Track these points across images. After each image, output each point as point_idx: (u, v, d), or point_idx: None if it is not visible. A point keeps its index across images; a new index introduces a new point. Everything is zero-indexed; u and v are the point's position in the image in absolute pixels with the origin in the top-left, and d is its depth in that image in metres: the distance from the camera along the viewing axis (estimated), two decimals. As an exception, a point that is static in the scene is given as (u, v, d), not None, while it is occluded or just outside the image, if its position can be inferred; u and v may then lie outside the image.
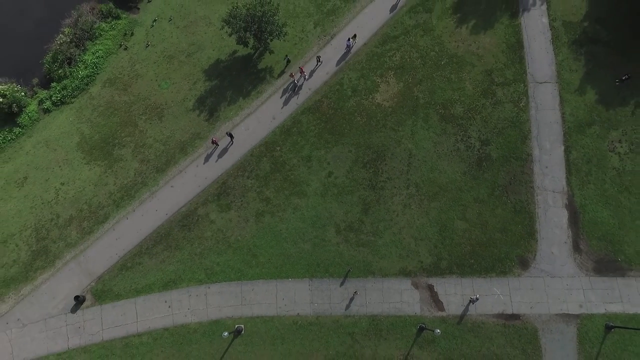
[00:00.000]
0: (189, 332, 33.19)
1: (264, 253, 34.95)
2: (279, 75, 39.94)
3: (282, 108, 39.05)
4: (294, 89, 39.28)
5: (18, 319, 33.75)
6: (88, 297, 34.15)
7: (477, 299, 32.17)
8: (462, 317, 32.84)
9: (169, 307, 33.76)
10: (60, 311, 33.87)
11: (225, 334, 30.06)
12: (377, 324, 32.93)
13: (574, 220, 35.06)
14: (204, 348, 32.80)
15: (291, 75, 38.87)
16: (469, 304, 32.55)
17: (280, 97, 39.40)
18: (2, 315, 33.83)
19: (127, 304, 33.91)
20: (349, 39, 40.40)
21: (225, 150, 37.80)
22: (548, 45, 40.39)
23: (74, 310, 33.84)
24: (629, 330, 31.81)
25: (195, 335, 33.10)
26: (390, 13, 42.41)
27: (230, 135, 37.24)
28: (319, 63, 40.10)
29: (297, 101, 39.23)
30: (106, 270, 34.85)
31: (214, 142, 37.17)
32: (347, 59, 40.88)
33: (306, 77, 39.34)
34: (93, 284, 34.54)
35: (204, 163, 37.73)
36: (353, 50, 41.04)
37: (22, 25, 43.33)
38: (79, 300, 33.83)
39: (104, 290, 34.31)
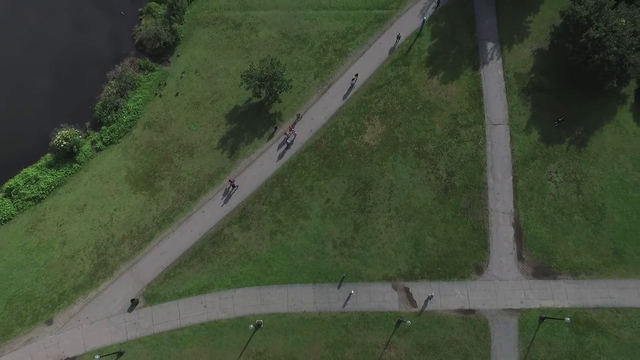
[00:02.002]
0: (220, 326, 42.85)
1: (277, 264, 44.67)
2: (269, 139, 48.96)
3: (288, 148, 48.72)
4: (286, 143, 48.56)
5: (87, 317, 43.38)
6: (141, 299, 43.83)
7: (432, 296, 42.35)
8: (430, 312, 42.71)
9: (204, 307, 43.42)
10: (120, 311, 43.54)
11: (251, 326, 40.00)
12: (365, 318, 42.72)
13: (519, 235, 44.96)
14: (232, 338, 42.47)
15: (285, 133, 48.34)
16: (426, 301, 42.48)
17: (278, 148, 48.86)
18: (74, 314, 43.42)
19: (172, 305, 43.58)
20: (352, 78, 50.15)
21: (239, 187, 47.19)
22: (502, 93, 50.15)
23: (130, 310, 43.47)
24: (556, 320, 41.68)
25: (225, 328, 42.75)
26: (389, 54, 52.13)
27: (233, 185, 46.56)
28: (299, 118, 49.57)
29: (301, 141, 48.94)
30: (154, 279, 44.49)
31: (230, 182, 46.57)
32: (349, 96, 50.47)
33: (295, 134, 48.50)
34: (144, 289, 44.20)
35: (228, 192, 47.41)
36: (356, 86, 50.55)
37: (74, 78, 52.57)
38: (134, 302, 43.52)
39: (153, 294, 43.97)
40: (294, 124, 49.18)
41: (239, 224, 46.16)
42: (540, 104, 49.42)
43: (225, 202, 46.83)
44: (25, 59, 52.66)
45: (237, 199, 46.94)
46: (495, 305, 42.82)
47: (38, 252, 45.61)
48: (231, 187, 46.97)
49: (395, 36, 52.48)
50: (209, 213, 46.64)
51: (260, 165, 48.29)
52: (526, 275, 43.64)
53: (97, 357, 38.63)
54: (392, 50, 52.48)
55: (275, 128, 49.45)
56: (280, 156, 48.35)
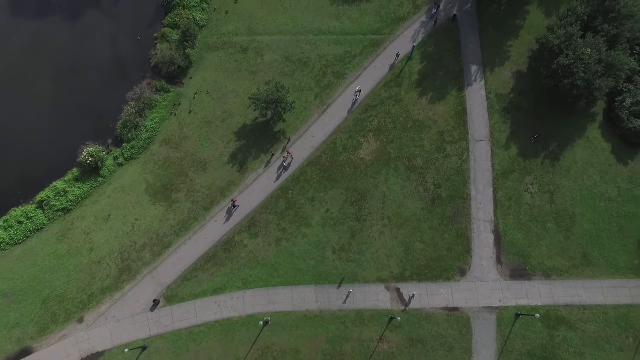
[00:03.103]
0: (233, 323, 48.18)
1: (282, 267, 50.02)
2: (266, 165, 53.75)
3: (285, 171, 53.88)
4: (283, 166, 53.52)
5: (114, 316, 48.72)
6: (161, 300, 49.17)
7: (414, 294, 47.66)
8: (418, 309, 48.05)
9: (218, 306, 48.74)
10: (143, 310, 48.88)
11: (260, 323, 45.42)
12: (361, 315, 48.10)
13: (498, 241, 50.33)
14: (243, 334, 47.81)
15: (283, 156, 53.39)
16: (410, 299, 47.89)
17: (280, 165, 54.24)
18: (102, 313, 48.77)
19: (189, 304, 48.92)
20: (355, 93, 55.44)
21: (248, 197, 52.58)
22: (484, 112, 55.43)
23: (152, 309, 48.80)
24: (530, 316, 47.00)
25: (237, 325, 48.05)
26: (389, 70, 57.43)
27: (233, 205, 51.60)
28: (289, 141, 54.73)
29: (303, 156, 54.27)
30: (173, 281, 49.82)
31: (232, 201, 51.75)
32: (352, 109, 55.85)
33: (292, 156, 53.53)
34: (164, 290, 49.54)
35: (237, 203, 52.71)
36: (359, 99, 55.84)
37: (96, 99, 57.92)
38: (155, 302, 48.85)
39: (172, 295, 49.34)
40: (285, 146, 54.48)
41: (248, 231, 51.48)
42: (518, 122, 54.73)
43: (228, 219, 51.91)
44: (53, 84, 58.13)
45: (246, 209, 52.27)
46: (477, 303, 48.18)
47: (68, 257, 50.95)
48: (233, 207, 51.95)
49: (395, 54, 57.79)
50: (221, 222, 51.96)
51: (266, 178, 53.61)
52: (504, 277, 48.99)
53: (125, 350, 44.06)
54: (392, 66, 57.76)
55: (272, 154, 54.52)
56: (281, 174, 53.68)
